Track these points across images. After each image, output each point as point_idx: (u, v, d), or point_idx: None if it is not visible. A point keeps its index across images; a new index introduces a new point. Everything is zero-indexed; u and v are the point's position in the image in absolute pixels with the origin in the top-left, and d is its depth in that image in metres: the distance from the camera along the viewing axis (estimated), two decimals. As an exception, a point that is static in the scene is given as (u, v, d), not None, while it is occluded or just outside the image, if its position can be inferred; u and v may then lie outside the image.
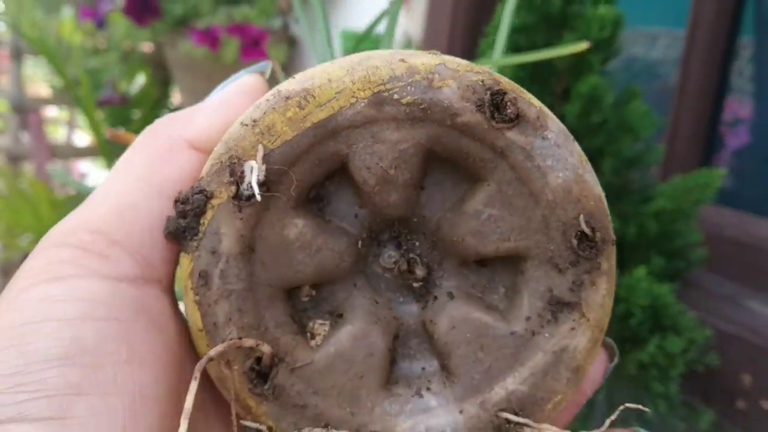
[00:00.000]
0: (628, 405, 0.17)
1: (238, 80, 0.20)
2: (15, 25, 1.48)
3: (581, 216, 0.17)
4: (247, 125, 0.16)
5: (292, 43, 1.65)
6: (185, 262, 0.16)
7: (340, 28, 1.48)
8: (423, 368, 0.18)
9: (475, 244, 0.17)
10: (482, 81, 0.16)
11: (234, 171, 0.16)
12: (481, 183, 0.17)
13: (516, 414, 0.17)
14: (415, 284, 0.18)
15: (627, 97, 0.73)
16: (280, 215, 0.16)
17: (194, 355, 0.20)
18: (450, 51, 1.17)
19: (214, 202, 0.16)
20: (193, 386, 0.15)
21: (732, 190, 0.92)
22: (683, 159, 0.93)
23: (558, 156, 0.16)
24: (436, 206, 0.17)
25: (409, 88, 0.16)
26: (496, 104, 0.16)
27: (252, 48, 1.44)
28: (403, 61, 0.16)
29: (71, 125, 2.29)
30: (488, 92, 0.16)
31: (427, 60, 0.16)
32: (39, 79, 2.14)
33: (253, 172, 0.16)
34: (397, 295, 0.18)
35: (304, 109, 0.16)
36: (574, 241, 0.17)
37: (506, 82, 0.17)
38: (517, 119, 0.16)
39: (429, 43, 1.17)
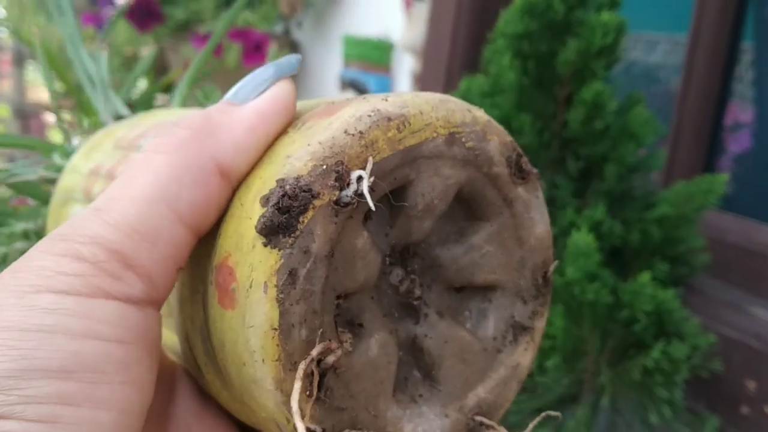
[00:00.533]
0: (548, 413, 0.20)
1: (273, 90, 0.19)
2: (17, 31, 1.49)
3: (553, 262, 0.21)
4: (353, 135, 0.17)
5: (293, 47, 1.65)
6: (270, 259, 0.16)
7: (341, 33, 1.48)
8: (406, 377, 0.19)
9: (469, 274, 0.20)
10: (512, 142, 0.20)
11: (341, 176, 0.16)
12: (485, 223, 0.20)
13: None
14: (415, 302, 0.19)
15: (630, 103, 0.74)
16: (356, 225, 0.17)
17: (198, 394, 0.20)
18: (452, 58, 1.17)
19: (317, 202, 0.16)
20: (297, 386, 0.16)
21: (733, 196, 0.92)
22: (685, 165, 0.93)
23: (542, 211, 0.20)
24: (440, 235, 0.20)
25: (472, 135, 0.19)
26: (517, 163, 0.20)
27: (254, 53, 1.44)
28: (469, 111, 0.19)
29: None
30: (515, 152, 0.20)
31: (482, 114, 0.19)
32: (40, 84, 2.14)
33: (364, 182, 0.16)
34: (395, 310, 0.19)
35: (401, 132, 0.17)
36: (540, 280, 0.21)
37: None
38: (526, 178, 0.20)
39: (430, 50, 1.17)
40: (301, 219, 0.16)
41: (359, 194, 0.16)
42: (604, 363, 0.70)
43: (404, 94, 0.18)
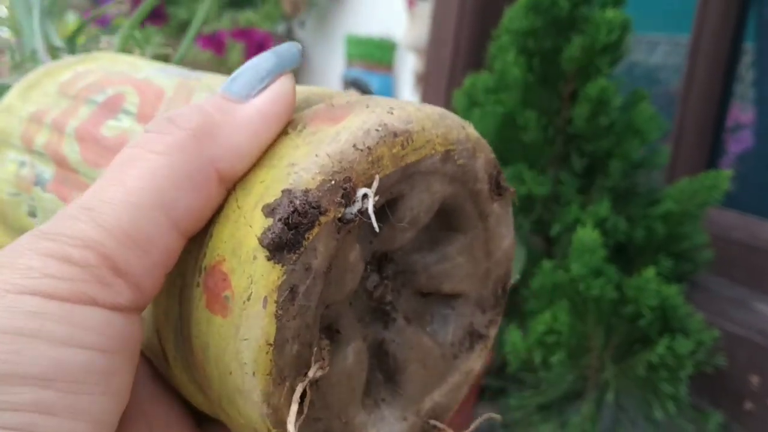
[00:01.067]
0: (490, 414, 0.21)
1: (276, 89, 0.18)
2: (18, 30, 1.49)
3: (514, 274, 0.22)
4: (362, 150, 0.17)
5: (296, 48, 1.66)
6: (272, 274, 0.16)
7: (344, 33, 1.49)
8: (368, 380, 0.19)
9: (439, 282, 0.20)
10: (494, 159, 0.20)
11: (348, 194, 0.16)
12: (459, 234, 0.20)
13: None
14: (386, 307, 0.20)
15: (634, 99, 0.74)
16: (351, 239, 0.17)
17: (154, 377, 0.20)
18: (455, 56, 1.17)
19: (323, 219, 0.16)
20: (294, 409, 0.16)
21: (735, 194, 0.93)
22: (688, 162, 0.93)
23: (510, 225, 0.21)
24: (415, 242, 0.20)
25: (464, 152, 0.19)
26: (497, 180, 0.20)
27: (257, 52, 1.45)
28: (463, 128, 0.19)
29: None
30: (496, 169, 0.20)
31: (473, 131, 0.19)
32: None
33: (369, 201, 0.16)
34: (366, 314, 0.20)
35: (405, 149, 0.17)
36: (500, 291, 0.21)
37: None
38: (503, 194, 0.20)
39: (434, 49, 1.17)
40: (307, 236, 0.16)
41: (362, 212, 0.16)
42: (608, 358, 0.70)
43: (407, 105, 0.18)
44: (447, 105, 1.10)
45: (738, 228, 0.85)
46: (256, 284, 0.16)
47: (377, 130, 0.17)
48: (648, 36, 1.10)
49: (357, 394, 0.18)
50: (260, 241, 0.16)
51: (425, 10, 1.25)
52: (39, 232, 0.15)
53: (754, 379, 0.70)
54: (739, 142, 0.99)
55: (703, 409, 0.72)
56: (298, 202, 0.16)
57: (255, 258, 0.16)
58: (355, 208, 0.16)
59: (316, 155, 0.16)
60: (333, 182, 0.16)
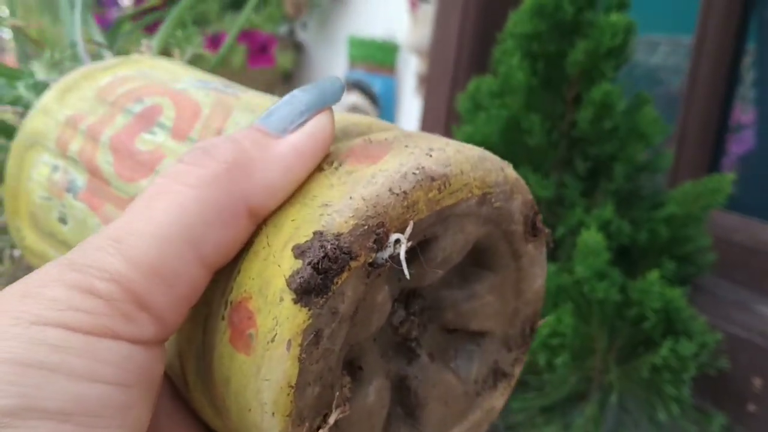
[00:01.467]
0: None
1: (314, 125, 0.17)
2: (21, 31, 1.49)
3: (541, 314, 0.21)
4: (397, 195, 0.16)
5: (298, 49, 1.66)
6: (298, 317, 0.16)
7: (347, 34, 1.49)
8: (389, 413, 0.19)
9: (467, 321, 0.20)
10: (532, 201, 0.20)
11: (380, 239, 0.16)
12: (490, 273, 0.20)
13: None
14: (412, 344, 0.19)
15: (638, 103, 0.74)
16: (380, 281, 0.17)
17: (174, 397, 0.20)
18: (458, 59, 1.18)
19: (353, 264, 0.16)
20: None
21: (737, 196, 0.93)
22: (691, 165, 0.94)
23: (543, 265, 0.21)
24: (444, 278, 0.20)
25: (501, 194, 0.18)
26: (533, 222, 0.20)
27: (259, 54, 1.45)
28: (502, 170, 0.19)
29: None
30: (533, 211, 0.20)
31: (511, 172, 0.19)
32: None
33: (401, 248, 0.16)
34: (390, 349, 0.19)
35: (441, 193, 0.17)
36: (528, 331, 0.21)
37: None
38: (537, 236, 0.20)
39: (437, 51, 1.18)
40: (336, 280, 0.16)
41: (393, 257, 0.16)
42: (612, 360, 0.71)
43: (447, 147, 0.18)
44: (450, 107, 1.10)
45: (740, 230, 0.85)
46: (281, 326, 0.16)
47: (414, 174, 0.17)
48: (648, 36, 1.10)
49: (377, 430, 0.18)
50: (288, 283, 0.15)
51: (428, 12, 1.25)
52: (67, 262, 0.15)
53: (757, 381, 0.70)
54: (740, 143, 1.00)
55: (706, 410, 0.72)
56: (329, 247, 0.15)
57: (282, 300, 0.16)
58: (386, 254, 0.16)
59: (351, 197, 0.16)
60: (366, 227, 0.16)
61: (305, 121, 0.17)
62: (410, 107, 1.36)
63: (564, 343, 0.69)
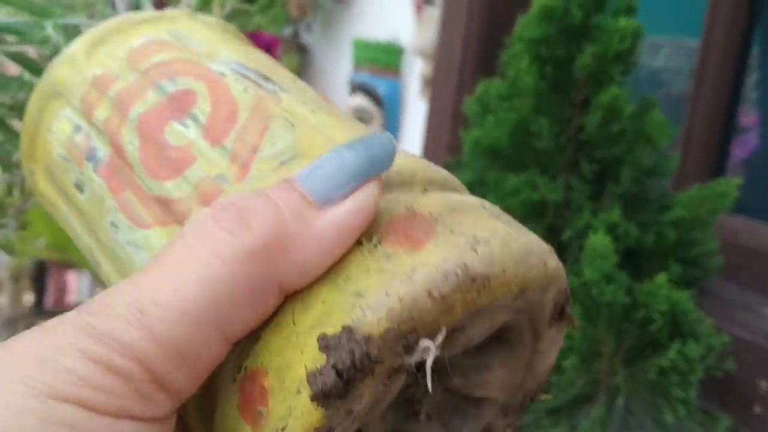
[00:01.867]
0: None
1: (359, 199, 0.16)
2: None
3: (544, 388, 0.21)
4: (436, 298, 0.15)
5: (303, 51, 1.67)
6: (313, 415, 0.15)
7: (351, 37, 1.49)
8: None
9: (473, 387, 0.19)
10: (566, 288, 0.18)
11: (409, 346, 0.15)
12: (506, 346, 0.19)
13: None
14: (416, 405, 0.19)
15: (644, 106, 0.75)
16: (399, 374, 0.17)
17: None
18: (464, 61, 1.18)
19: (378, 369, 0.15)
20: None
21: (741, 198, 0.93)
22: (696, 169, 0.94)
23: (557, 345, 0.20)
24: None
25: (538, 289, 0.17)
26: (562, 308, 0.19)
27: (264, 56, 1.45)
28: (545, 263, 0.17)
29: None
30: (563, 297, 0.19)
31: (552, 263, 0.18)
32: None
33: (429, 358, 0.15)
34: (391, 408, 0.19)
35: (479, 294, 0.16)
36: (528, 401, 0.21)
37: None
38: (562, 321, 0.19)
39: (442, 53, 1.18)
40: (357, 385, 0.15)
41: (419, 363, 0.15)
42: (619, 363, 0.71)
43: (493, 238, 0.17)
44: (455, 110, 1.11)
45: (745, 233, 0.86)
46: (295, 420, 0.15)
47: (456, 275, 0.16)
48: (651, 39, 1.11)
49: None
50: (309, 380, 0.15)
51: (433, 14, 1.25)
52: (88, 327, 0.15)
53: (763, 384, 0.71)
54: (743, 146, 1.00)
55: (712, 413, 0.73)
56: (357, 354, 0.15)
57: (299, 392, 0.15)
58: (413, 359, 0.15)
59: (387, 294, 0.15)
60: (397, 332, 0.15)
61: (352, 190, 0.16)
62: (415, 110, 1.36)
63: (572, 345, 0.69)
